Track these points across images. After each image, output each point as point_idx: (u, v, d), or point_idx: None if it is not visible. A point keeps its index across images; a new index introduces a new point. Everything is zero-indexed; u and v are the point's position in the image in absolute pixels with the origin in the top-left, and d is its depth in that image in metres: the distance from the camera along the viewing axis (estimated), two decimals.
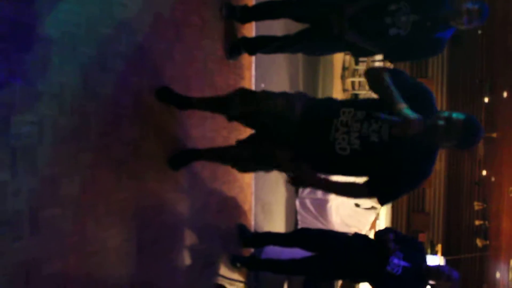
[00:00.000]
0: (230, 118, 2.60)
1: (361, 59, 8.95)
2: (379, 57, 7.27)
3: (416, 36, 2.80)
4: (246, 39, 3.54)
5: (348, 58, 8.31)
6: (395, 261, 3.10)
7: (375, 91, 2.23)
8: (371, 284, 3.31)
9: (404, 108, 2.04)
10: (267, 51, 3.51)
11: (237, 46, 3.47)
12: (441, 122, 2.03)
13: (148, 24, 2.47)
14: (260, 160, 2.55)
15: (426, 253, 3.34)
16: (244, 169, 2.79)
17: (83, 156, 2.04)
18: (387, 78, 2.15)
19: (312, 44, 3.26)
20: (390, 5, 2.84)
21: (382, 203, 2.40)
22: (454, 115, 2.05)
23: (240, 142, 2.71)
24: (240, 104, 2.47)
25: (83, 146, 2.04)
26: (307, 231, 3.82)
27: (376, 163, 2.21)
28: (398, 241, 3.22)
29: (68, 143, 1.96)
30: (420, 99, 2.16)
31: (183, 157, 2.85)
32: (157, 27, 2.54)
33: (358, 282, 3.68)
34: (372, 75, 2.24)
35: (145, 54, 2.46)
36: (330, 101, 2.46)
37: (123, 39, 2.26)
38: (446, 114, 2.06)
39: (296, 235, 3.80)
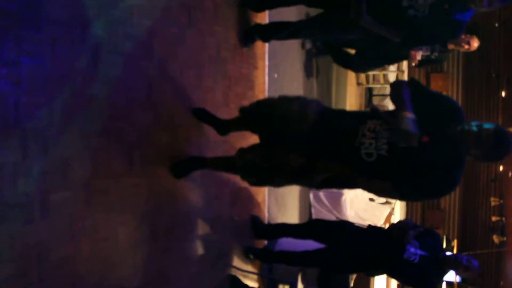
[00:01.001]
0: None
1: None
2: (392, 67, 7.16)
3: (434, 18, 2.74)
4: (260, 26, 3.52)
5: None
6: (412, 249, 3.05)
7: (392, 100, 2.23)
8: (389, 274, 3.25)
9: (406, 116, 2.04)
10: (281, 37, 3.48)
11: (251, 33, 3.43)
12: (474, 129, 2.02)
13: (160, 7, 2.43)
14: (273, 166, 2.43)
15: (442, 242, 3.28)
16: (258, 178, 2.55)
17: (95, 139, 2.01)
18: (406, 89, 2.17)
19: (326, 29, 3.24)
20: None
21: (401, 199, 2.39)
22: (485, 125, 2.04)
23: (244, 150, 2.61)
24: (256, 111, 2.53)
25: (95, 130, 2.01)
26: (321, 223, 3.76)
27: (404, 169, 2.15)
28: (413, 230, 3.15)
29: (80, 126, 1.93)
30: (445, 112, 2.15)
31: (187, 165, 2.74)
32: (169, 10, 2.50)
33: (375, 274, 3.60)
34: (394, 86, 2.28)
35: (157, 37, 2.42)
36: (352, 112, 2.45)
37: (134, 22, 2.22)
38: (476, 123, 2.05)
39: (310, 227, 3.74)
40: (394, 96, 2.22)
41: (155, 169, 2.47)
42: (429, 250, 3.09)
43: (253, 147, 2.60)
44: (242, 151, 2.60)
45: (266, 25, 3.54)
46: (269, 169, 2.45)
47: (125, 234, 2.23)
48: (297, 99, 2.47)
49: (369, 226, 3.61)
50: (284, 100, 2.46)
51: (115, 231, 2.15)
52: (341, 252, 3.37)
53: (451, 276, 9.12)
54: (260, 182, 2.60)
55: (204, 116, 2.85)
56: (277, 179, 2.52)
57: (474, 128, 2.03)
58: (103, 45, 2.04)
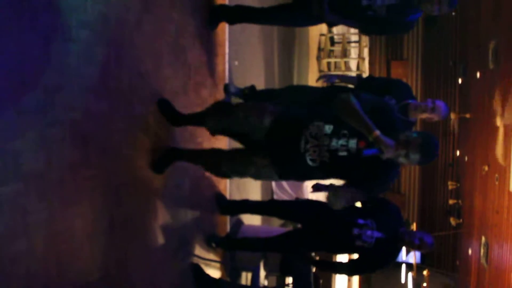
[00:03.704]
0: (212, 132, 2.81)
1: (336, 40, 8.93)
2: (354, 30, 7.25)
3: (390, 19, 3.02)
4: (225, 7, 3.51)
5: (324, 39, 8.28)
6: (368, 233, 3.09)
7: (347, 120, 2.34)
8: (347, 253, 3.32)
9: (380, 135, 2.21)
10: (246, 20, 3.57)
11: (216, 15, 3.42)
12: (401, 151, 2.22)
13: None
14: (238, 163, 2.70)
15: (402, 217, 3.32)
16: (221, 172, 2.85)
17: (48, 130, 1.95)
18: (355, 104, 2.29)
19: (291, 19, 3.37)
20: None
21: None
22: (412, 138, 2.22)
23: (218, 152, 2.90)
24: (215, 119, 2.71)
25: (48, 120, 1.95)
26: (283, 201, 3.83)
27: (344, 172, 2.45)
28: (370, 209, 3.21)
29: (32, 116, 1.86)
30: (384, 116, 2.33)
31: (165, 159, 2.88)
32: None
33: (335, 253, 3.68)
34: (342, 106, 2.34)
35: (112, 24, 2.36)
36: (302, 110, 2.58)
37: (88, 8, 2.16)
38: (404, 137, 2.23)
39: (272, 203, 3.82)
40: (350, 117, 2.31)
41: (112, 160, 2.42)
42: (386, 230, 3.13)
43: (224, 152, 2.92)
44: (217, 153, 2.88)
45: (232, 8, 3.52)
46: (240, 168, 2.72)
47: (82, 226, 2.18)
48: (253, 107, 2.64)
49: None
50: (242, 109, 2.65)
51: (71, 224, 2.10)
52: (302, 233, 3.42)
53: (411, 257, 9.39)
54: (229, 176, 2.90)
55: (165, 108, 2.85)
56: (246, 174, 2.76)
57: (402, 152, 2.22)
58: (57, 32, 1.98)
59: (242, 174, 2.75)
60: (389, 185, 2.52)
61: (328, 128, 2.38)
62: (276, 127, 2.51)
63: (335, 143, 2.36)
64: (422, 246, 3.07)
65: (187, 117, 2.92)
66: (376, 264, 3.23)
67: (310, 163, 2.42)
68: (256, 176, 2.77)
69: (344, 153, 2.35)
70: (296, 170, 2.54)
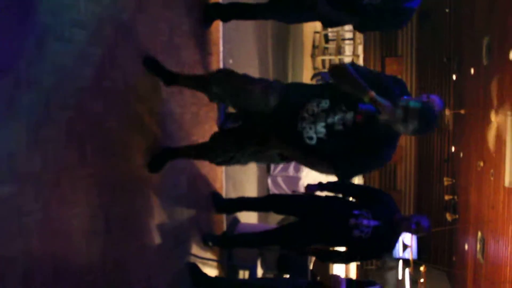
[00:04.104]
0: (211, 99, 2.72)
1: (330, 37, 8.94)
2: (348, 27, 7.27)
3: (386, 6, 2.90)
4: (219, 5, 3.51)
5: (318, 36, 8.29)
6: (365, 222, 3.10)
7: (343, 84, 2.29)
8: (345, 247, 3.31)
9: (376, 95, 2.14)
10: (240, 17, 3.55)
11: (210, 13, 3.42)
12: (399, 112, 2.10)
13: None
14: (239, 145, 2.69)
15: (395, 204, 3.32)
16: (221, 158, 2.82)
17: (43, 130, 1.95)
18: (351, 70, 2.24)
19: (285, 13, 3.32)
20: None
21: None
22: (411, 103, 2.11)
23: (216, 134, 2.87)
24: (218, 86, 2.58)
25: (43, 120, 1.94)
26: (279, 195, 3.83)
27: (341, 148, 2.35)
28: (364, 200, 3.22)
29: (27, 117, 1.86)
30: (379, 84, 2.26)
31: (160, 158, 2.89)
32: None
33: (333, 245, 3.68)
34: (337, 71, 2.31)
35: (106, 24, 2.35)
36: (300, 89, 2.54)
37: (82, 8, 2.15)
38: (403, 102, 2.12)
39: (269, 198, 3.82)
40: (345, 80, 2.26)
41: (108, 159, 2.42)
42: (381, 217, 3.14)
43: (219, 135, 2.87)
44: (213, 138, 2.85)
45: (225, 5, 3.52)
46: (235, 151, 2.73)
47: (79, 226, 2.18)
48: (259, 82, 2.56)
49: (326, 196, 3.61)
50: (248, 82, 2.57)
51: (67, 224, 2.10)
52: (298, 226, 3.42)
53: (407, 253, 9.43)
54: (226, 162, 2.86)
55: (154, 67, 2.78)
56: (242, 159, 2.78)
57: (399, 112, 2.10)
58: (49, 32, 1.97)
59: (235, 158, 2.77)
60: (386, 160, 2.39)
61: (325, 103, 2.34)
62: (280, 109, 2.46)
63: (332, 117, 2.30)
64: (419, 230, 3.09)
65: (187, 78, 2.90)
66: (374, 251, 3.24)
67: (307, 141, 2.37)
68: (256, 159, 2.78)
69: (340, 127, 2.29)
70: (294, 151, 2.47)
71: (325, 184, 3.47)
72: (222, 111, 3.65)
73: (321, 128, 2.32)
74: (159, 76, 2.81)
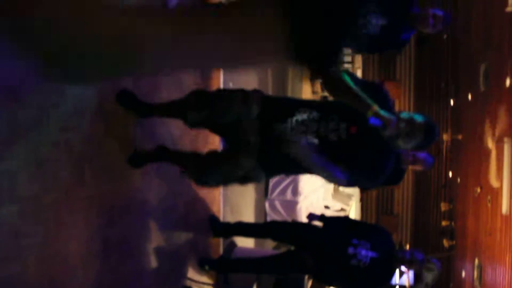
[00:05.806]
0: (191, 125, 2.52)
1: None
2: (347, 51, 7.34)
3: (383, 37, 2.97)
4: None
5: None
6: (363, 252, 3.10)
7: (340, 97, 2.19)
8: (341, 279, 3.28)
9: (380, 110, 2.04)
10: None
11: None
12: (402, 126, 2.04)
13: None
14: (224, 168, 2.42)
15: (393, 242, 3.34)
16: (204, 179, 2.52)
17: (43, 151, 1.95)
18: (347, 80, 2.11)
19: None
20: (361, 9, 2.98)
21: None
22: (416, 117, 2.08)
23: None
24: (195, 109, 2.38)
25: (43, 141, 1.95)
26: (278, 222, 3.82)
27: (335, 159, 2.18)
28: (363, 232, 3.23)
29: (27, 137, 1.87)
30: (377, 95, 2.17)
31: (152, 155, 2.73)
32: None
33: (331, 283, 3.65)
34: (332, 83, 2.17)
35: None
36: (286, 100, 2.47)
37: None
38: (406, 116, 2.07)
39: (268, 225, 3.81)
40: (344, 93, 2.13)
41: (107, 181, 2.42)
42: (379, 250, 3.14)
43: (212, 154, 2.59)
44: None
45: None
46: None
47: (76, 249, 2.17)
48: (238, 93, 2.40)
49: (326, 217, 3.59)
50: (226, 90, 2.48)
51: (65, 247, 2.09)
52: (297, 254, 3.41)
53: (404, 279, 9.36)
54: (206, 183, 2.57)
55: (127, 100, 2.54)
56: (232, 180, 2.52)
57: (403, 125, 2.04)
58: None
59: (227, 180, 2.54)
60: (384, 172, 2.25)
61: (316, 114, 2.24)
62: (264, 117, 2.32)
63: (324, 127, 2.21)
64: (413, 261, 3.11)
65: (160, 107, 2.64)
66: (371, 283, 3.23)
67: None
68: (243, 180, 2.48)
69: (334, 138, 2.19)
70: (284, 162, 2.27)
71: (327, 217, 3.50)
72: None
73: (313, 138, 2.20)
74: (132, 109, 2.57)
